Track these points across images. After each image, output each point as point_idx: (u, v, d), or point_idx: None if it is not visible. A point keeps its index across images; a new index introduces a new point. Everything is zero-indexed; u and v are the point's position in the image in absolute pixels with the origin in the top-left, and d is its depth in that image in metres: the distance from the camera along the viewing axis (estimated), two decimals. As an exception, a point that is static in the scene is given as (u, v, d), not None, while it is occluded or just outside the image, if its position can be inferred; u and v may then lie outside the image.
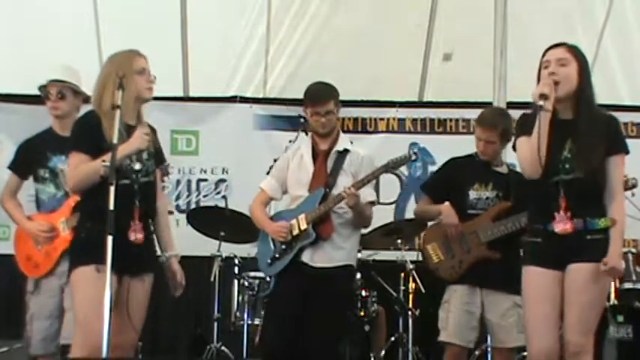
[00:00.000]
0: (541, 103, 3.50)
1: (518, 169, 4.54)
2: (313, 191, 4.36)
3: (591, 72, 3.70)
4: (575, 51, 3.65)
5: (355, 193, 4.15)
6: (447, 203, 4.52)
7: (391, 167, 4.26)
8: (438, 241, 4.56)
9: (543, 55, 3.67)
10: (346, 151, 4.43)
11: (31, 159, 4.49)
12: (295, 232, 4.32)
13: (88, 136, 3.71)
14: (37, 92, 4.59)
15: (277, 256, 4.38)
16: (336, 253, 4.31)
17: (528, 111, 3.63)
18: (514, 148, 3.75)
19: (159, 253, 4.01)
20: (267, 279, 5.38)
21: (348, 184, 4.25)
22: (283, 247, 4.36)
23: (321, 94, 4.42)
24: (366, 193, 4.30)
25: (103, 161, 3.56)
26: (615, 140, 3.62)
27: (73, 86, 4.49)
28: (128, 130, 3.72)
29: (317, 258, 4.29)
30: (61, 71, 4.53)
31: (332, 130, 4.43)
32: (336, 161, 4.40)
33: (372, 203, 4.42)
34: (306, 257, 4.30)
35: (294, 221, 4.33)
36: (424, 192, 4.76)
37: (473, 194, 4.48)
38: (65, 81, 4.47)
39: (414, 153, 4.28)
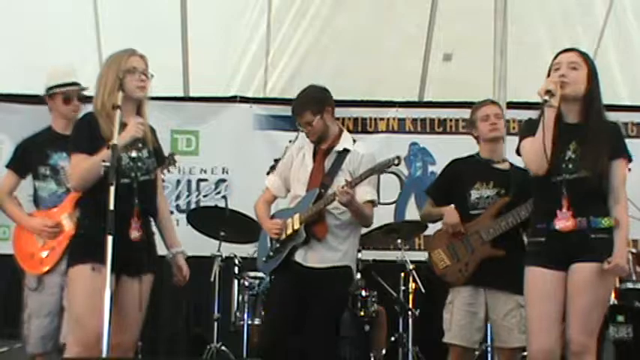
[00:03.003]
0: (546, 97, 3.56)
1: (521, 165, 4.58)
2: (309, 191, 4.35)
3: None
4: (586, 57, 3.72)
5: (347, 191, 4.09)
6: (451, 205, 4.52)
7: (377, 170, 4.21)
8: (443, 247, 4.52)
9: (555, 58, 3.71)
10: (346, 150, 4.39)
11: (30, 157, 4.48)
12: (289, 231, 4.31)
13: (87, 137, 3.73)
14: (37, 92, 4.59)
15: (271, 254, 4.39)
16: (330, 254, 4.27)
17: (530, 112, 3.67)
18: (518, 152, 3.77)
19: (162, 251, 4.01)
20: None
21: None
22: (277, 245, 4.37)
23: (295, 106, 4.42)
24: (364, 192, 4.27)
25: (103, 162, 3.57)
26: (618, 145, 3.67)
27: (83, 91, 4.52)
28: (125, 129, 3.72)
29: (310, 258, 4.27)
30: (71, 73, 4.54)
31: (321, 136, 4.39)
32: (335, 161, 4.37)
33: (372, 202, 4.36)
34: (299, 257, 4.29)
35: (289, 220, 4.33)
36: (428, 195, 4.76)
37: (474, 194, 4.46)
38: (83, 87, 4.49)
39: (397, 157, 4.16)
